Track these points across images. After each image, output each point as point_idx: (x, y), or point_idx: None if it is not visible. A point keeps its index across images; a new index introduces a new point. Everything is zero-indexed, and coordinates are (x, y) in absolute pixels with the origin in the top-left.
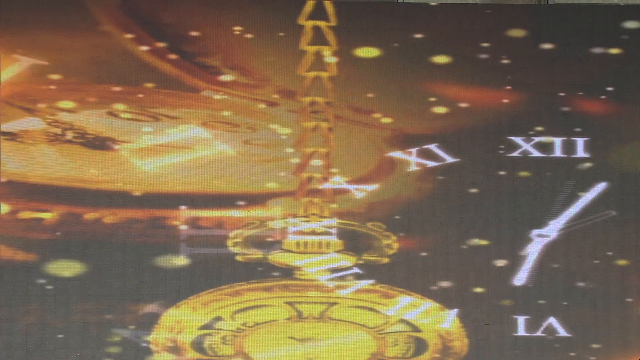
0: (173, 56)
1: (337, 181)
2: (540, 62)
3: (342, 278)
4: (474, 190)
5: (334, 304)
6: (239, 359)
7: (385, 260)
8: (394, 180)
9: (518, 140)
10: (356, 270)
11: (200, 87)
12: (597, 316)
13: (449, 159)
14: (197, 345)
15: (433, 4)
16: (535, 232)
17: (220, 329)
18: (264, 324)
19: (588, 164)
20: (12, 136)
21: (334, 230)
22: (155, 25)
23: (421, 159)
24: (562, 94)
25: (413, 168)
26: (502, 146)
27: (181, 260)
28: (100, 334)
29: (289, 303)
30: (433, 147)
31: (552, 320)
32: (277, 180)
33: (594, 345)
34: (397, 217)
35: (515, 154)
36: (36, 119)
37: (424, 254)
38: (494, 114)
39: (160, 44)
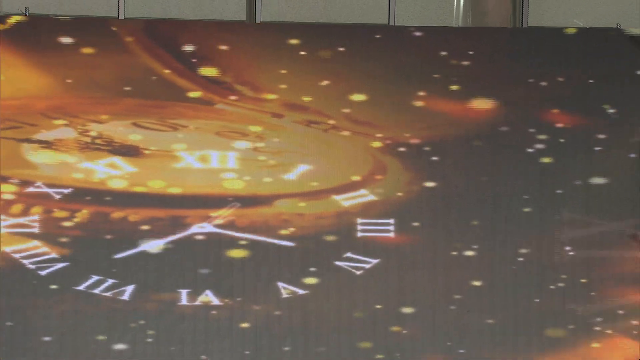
0: (190, 73)
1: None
2: None
3: None
4: None
5: None
6: None
7: None
8: (383, 183)
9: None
10: None
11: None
12: None
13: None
14: None
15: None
16: None
17: None
18: None
19: None
20: (47, 144)
21: None
22: (174, 46)
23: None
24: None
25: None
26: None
27: None
28: None
29: None
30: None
31: None
32: None
33: None
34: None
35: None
36: (69, 129)
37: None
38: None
39: (179, 63)
